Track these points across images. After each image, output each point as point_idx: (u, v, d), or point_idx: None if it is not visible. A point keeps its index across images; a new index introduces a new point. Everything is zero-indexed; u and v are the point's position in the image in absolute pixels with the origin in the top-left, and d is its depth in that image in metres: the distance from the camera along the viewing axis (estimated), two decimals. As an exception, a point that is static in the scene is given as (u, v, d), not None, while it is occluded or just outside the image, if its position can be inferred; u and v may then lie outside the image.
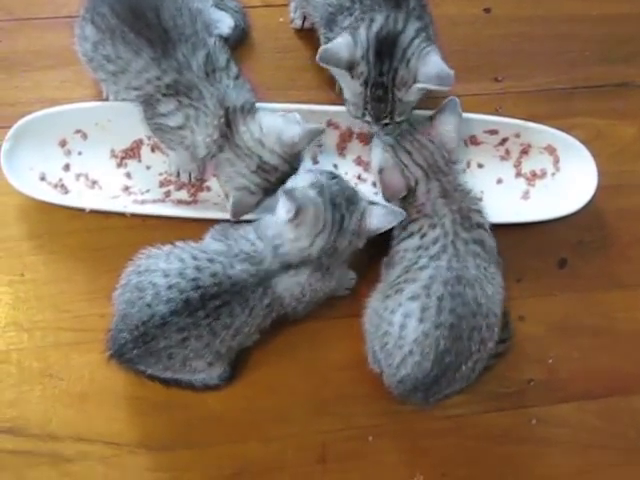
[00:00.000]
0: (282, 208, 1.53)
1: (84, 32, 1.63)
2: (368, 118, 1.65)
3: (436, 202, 1.61)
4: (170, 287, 1.49)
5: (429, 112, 1.72)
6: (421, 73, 1.56)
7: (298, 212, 1.51)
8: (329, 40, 1.65)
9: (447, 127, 1.65)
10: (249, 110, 1.63)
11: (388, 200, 1.66)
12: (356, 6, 1.60)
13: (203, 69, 1.58)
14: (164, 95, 1.58)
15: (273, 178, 1.61)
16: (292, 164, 1.62)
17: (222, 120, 1.58)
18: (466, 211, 1.60)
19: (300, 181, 1.59)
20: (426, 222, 1.61)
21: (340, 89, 1.71)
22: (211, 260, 1.53)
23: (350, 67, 1.57)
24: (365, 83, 1.59)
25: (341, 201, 1.55)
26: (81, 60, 1.69)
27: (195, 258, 1.53)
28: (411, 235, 1.62)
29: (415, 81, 1.57)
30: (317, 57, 1.57)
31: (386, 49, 1.55)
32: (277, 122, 1.62)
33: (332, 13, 1.65)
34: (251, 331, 1.57)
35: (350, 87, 1.63)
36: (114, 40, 1.58)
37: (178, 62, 1.56)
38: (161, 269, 1.52)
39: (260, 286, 1.53)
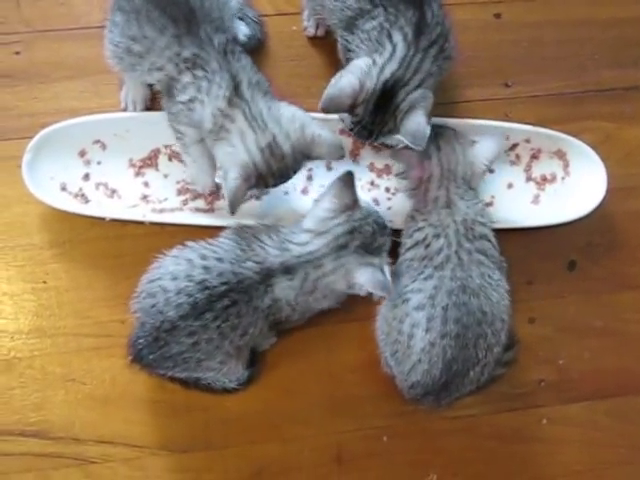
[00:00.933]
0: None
1: (114, 19, 1.67)
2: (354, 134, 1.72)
3: (441, 212, 1.65)
4: (179, 292, 1.54)
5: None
6: (402, 127, 1.61)
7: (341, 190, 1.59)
8: (348, 43, 1.70)
9: (483, 152, 1.68)
10: (265, 91, 1.64)
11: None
12: (379, 10, 1.62)
13: (223, 47, 1.61)
14: (180, 72, 1.61)
15: (274, 167, 1.60)
16: (295, 164, 1.62)
17: (233, 90, 1.59)
18: (470, 223, 1.64)
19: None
20: (430, 231, 1.65)
21: None
22: (220, 259, 1.57)
23: (350, 109, 1.62)
24: (358, 123, 1.65)
25: (356, 237, 1.58)
26: (108, 51, 1.72)
27: (204, 258, 1.58)
28: (416, 244, 1.66)
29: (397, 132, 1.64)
30: (320, 105, 1.61)
31: (384, 102, 1.60)
32: (304, 114, 1.63)
33: (351, 17, 1.67)
34: (255, 333, 1.61)
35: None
36: (139, 20, 1.61)
37: (200, 39, 1.59)
38: (170, 272, 1.57)
39: (262, 284, 1.56)
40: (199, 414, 1.75)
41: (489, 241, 1.66)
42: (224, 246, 1.61)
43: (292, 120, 1.61)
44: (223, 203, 1.79)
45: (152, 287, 1.58)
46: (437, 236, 1.63)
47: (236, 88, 1.59)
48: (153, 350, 1.56)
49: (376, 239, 1.60)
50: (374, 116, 1.62)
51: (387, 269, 1.60)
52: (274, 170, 1.61)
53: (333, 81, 1.62)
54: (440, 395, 1.63)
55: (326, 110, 1.61)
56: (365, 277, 1.58)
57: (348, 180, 1.60)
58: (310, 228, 1.59)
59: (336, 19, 1.74)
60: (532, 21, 2.02)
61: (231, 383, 1.71)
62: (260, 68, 1.83)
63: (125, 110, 1.85)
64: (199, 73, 1.59)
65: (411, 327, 1.59)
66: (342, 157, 1.63)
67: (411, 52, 1.59)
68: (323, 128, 1.61)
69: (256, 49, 1.91)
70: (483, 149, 1.69)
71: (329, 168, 1.85)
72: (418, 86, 1.61)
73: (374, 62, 1.60)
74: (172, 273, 1.56)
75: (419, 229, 1.66)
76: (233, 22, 1.71)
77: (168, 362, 1.59)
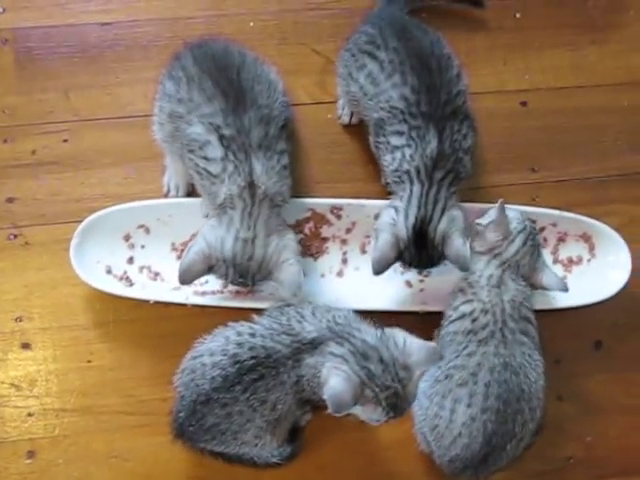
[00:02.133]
0: None
1: (164, 89, 1.77)
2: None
3: (491, 290, 1.72)
4: (214, 365, 1.60)
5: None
6: (447, 255, 1.72)
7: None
8: (376, 143, 1.81)
9: (549, 281, 1.76)
10: (278, 204, 1.73)
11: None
12: (405, 128, 1.73)
13: (258, 142, 1.69)
14: (219, 140, 1.68)
15: (238, 260, 1.68)
16: (257, 272, 1.70)
17: (248, 188, 1.67)
18: (517, 304, 1.71)
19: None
20: (479, 306, 1.71)
21: (386, 182, 1.83)
22: (252, 335, 1.62)
23: (398, 258, 1.73)
24: (411, 264, 1.76)
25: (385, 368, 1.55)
26: (154, 117, 1.82)
27: (239, 334, 1.63)
28: (462, 317, 1.72)
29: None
30: (372, 272, 1.72)
31: (422, 240, 1.72)
32: (294, 244, 1.72)
33: (382, 119, 1.77)
34: (285, 409, 1.64)
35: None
36: (190, 86, 1.71)
37: (242, 124, 1.67)
38: (209, 348, 1.64)
39: (291, 359, 1.59)
40: (238, 490, 1.81)
41: (531, 324, 1.73)
42: (262, 322, 1.66)
43: (280, 238, 1.70)
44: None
45: (194, 364, 1.65)
46: (485, 312, 1.70)
47: (252, 187, 1.68)
48: (192, 423, 1.63)
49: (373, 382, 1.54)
50: (420, 255, 1.74)
51: (359, 410, 1.57)
52: (237, 263, 1.69)
53: (372, 246, 1.75)
54: (479, 468, 1.68)
55: (379, 273, 1.72)
56: (333, 381, 1.54)
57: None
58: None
59: (368, 116, 1.85)
60: (557, 108, 2.11)
61: (274, 458, 1.75)
62: (296, 155, 1.94)
63: (167, 195, 1.94)
64: (230, 156, 1.68)
65: (453, 402, 1.66)
66: (295, 296, 1.70)
67: (425, 189, 1.72)
68: (299, 264, 1.70)
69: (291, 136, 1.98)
70: (550, 280, 1.76)
71: (363, 251, 1.93)
72: (442, 214, 1.72)
73: (396, 210, 1.73)
74: (210, 349, 1.64)
75: (467, 302, 1.73)
76: (281, 110, 1.77)
77: (206, 435, 1.65)
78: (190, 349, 1.69)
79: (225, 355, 1.60)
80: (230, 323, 1.69)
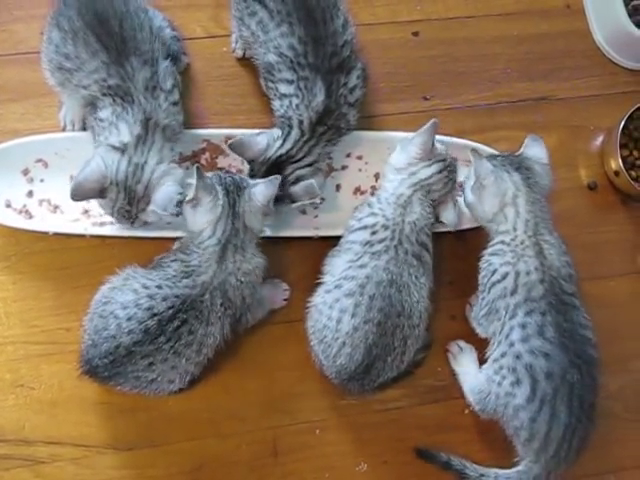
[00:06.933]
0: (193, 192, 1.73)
1: (50, 36, 1.83)
2: None
3: (397, 209, 1.82)
4: (129, 318, 1.68)
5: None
6: (294, 193, 1.88)
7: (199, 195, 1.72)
8: (266, 87, 1.93)
9: (448, 217, 1.90)
10: (169, 137, 1.83)
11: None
12: (294, 77, 1.84)
13: (144, 84, 1.78)
14: (104, 95, 1.78)
15: (129, 183, 1.77)
16: (143, 196, 1.79)
17: (142, 125, 1.78)
18: (417, 229, 1.82)
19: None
20: (381, 221, 1.81)
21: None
22: (159, 287, 1.71)
23: (248, 162, 1.89)
24: (252, 176, 1.88)
25: (233, 188, 1.76)
26: (43, 64, 1.88)
27: (146, 287, 1.71)
28: (364, 228, 1.83)
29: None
30: (228, 144, 1.88)
31: (274, 171, 1.84)
32: (178, 170, 1.83)
33: (271, 64, 1.86)
34: (216, 341, 1.75)
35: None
36: (76, 41, 1.78)
37: (125, 71, 1.77)
38: (119, 302, 1.71)
39: (206, 293, 1.71)
40: (143, 414, 1.89)
41: (427, 251, 1.84)
42: (159, 275, 1.74)
43: (168, 167, 1.80)
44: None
45: (104, 310, 1.72)
46: (385, 227, 1.80)
47: (143, 121, 1.78)
48: (107, 369, 1.71)
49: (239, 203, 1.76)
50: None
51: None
52: (127, 185, 1.78)
53: (252, 133, 1.88)
54: (364, 380, 1.81)
55: (232, 148, 1.86)
56: (258, 190, 1.76)
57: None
58: (199, 244, 1.74)
59: (259, 60, 1.93)
60: (448, 38, 2.21)
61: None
62: (192, 87, 2.04)
63: (64, 130, 2.01)
64: (118, 101, 1.78)
65: (339, 312, 1.77)
66: (164, 211, 1.79)
67: (305, 138, 1.86)
68: (175, 185, 1.79)
69: (186, 70, 2.08)
70: (447, 214, 1.89)
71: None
72: (309, 165, 1.87)
73: (279, 137, 1.85)
74: (122, 303, 1.70)
75: (372, 214, 1.83)
76: (164, 52, 1.87)
77: (120, 379, 1.73)
78: (92, 281, 1.78)
79: (139, 308, 1.68)
80: (128, 270, 1.77)
